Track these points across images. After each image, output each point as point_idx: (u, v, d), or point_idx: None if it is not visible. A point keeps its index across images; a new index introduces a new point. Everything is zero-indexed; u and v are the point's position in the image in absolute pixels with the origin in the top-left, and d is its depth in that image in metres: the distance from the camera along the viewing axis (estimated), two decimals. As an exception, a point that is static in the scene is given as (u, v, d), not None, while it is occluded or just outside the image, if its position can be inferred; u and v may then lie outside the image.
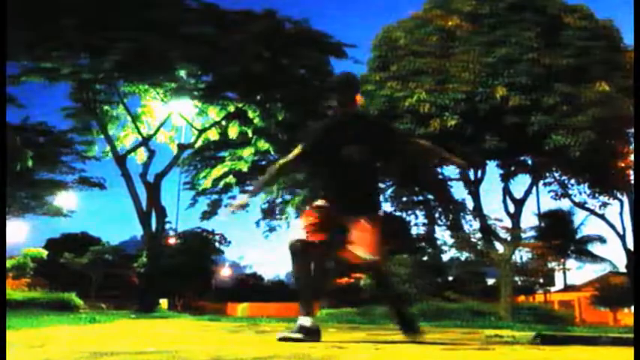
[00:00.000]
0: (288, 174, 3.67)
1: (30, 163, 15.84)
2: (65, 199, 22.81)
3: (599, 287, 23.71)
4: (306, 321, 3.07)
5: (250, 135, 18.08)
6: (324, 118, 3.56)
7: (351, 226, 3.20)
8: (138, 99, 18.78)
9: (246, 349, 2.53)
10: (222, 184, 21.95)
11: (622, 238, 19.15)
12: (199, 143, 19.61)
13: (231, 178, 21.57)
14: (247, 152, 19.27)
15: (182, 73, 16.76)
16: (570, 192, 15.50)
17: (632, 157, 12.53)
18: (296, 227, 3.26)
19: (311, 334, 3.05)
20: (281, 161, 3.54)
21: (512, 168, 13.72)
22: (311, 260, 3.20)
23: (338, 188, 3.30)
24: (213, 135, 19.37)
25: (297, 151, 3.41)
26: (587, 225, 23.69)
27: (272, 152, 18.80)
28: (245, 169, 20.16)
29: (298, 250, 3.16)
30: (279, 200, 23.08)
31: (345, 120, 3.33)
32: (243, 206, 3.59)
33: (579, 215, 23.20)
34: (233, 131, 18.28)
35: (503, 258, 13.75)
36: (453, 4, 13.59)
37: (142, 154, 19.17)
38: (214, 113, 18.45)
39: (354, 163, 3.24)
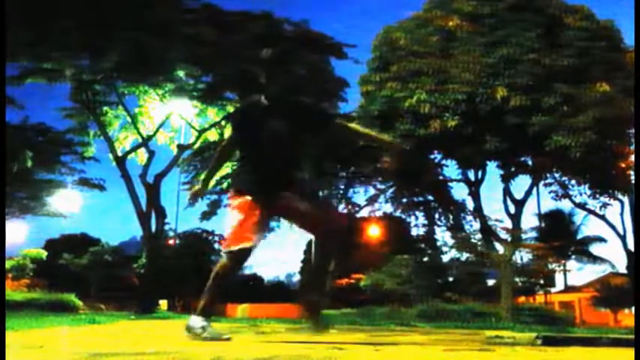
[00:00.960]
0: (230, 157, 3.65)
1: (29, 163, 15.82)
2: (65, 200, 22.78)
3: (599, 288, 23.69)
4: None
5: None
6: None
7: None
8: (136, 100, 18.80)
9: (246, 350, 2.51)
10: (225, 184, 21.95)
11: (622, 238, 19.16)
12: (199, 144, 19.61)
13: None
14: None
15: (181, 73, 16.76)
16: (571, 193, 15.48)
17: (632, 157, 12.50)
18: (238, 227, 3.07)
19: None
20: (221, 145, 3.53)
21: (513, 168, 13.70)
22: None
23: (266, 168, 3.17)
24: (212, 135, 19.36)
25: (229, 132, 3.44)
26: (587, 226, 23.71)
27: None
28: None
29: (244, 258, 3.09)
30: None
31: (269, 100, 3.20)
32: (200, 194, 3.54)
33: (579, 216, 23.22)
34: (227, 131, 18.31)
35: (503, 259, 13.73)
36: (453, 4, 13.57)
37: (142, 156, 19.17)
38: (213, 114, 18.46)
39: (276, 141, 3.12)
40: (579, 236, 24.41)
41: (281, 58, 3.30)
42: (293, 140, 3.18)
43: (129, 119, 18.65)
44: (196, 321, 3.06)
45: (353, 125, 3.83)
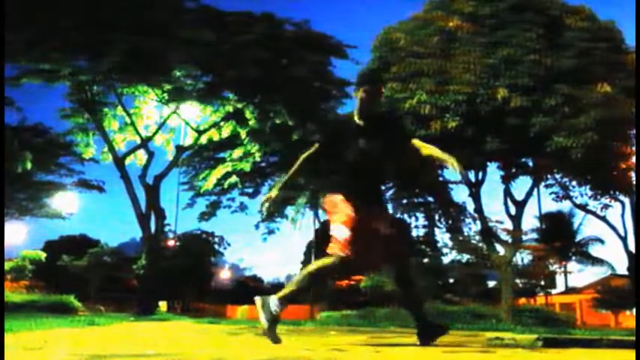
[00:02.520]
0: (311, 168, 3.66)
1: (29, 165, 15.80)
2: (64, 202, 22.76)
3: (600, 289, 23.63)
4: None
5: (243, 136, 18.10)
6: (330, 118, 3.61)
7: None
8: (132, 101, 18.80)
9: (246, 352, 2.49)
10: (226, 184, 21.94)
11: (623, 240, 19.12)
12: (198, 144, 19.61)
13: (234, 178, 21.56)
14: (237, 153, 19.32)
15: (180, 74, 16.74)
16: (572, 194, 15.45)
17: (633, 158, 12.47)
18: (335, 236, 3.17)
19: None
20: (304, 155, 3.51)
21: (514, 170, 13.66)
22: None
23: (356, 185, 3.26)
24: (213, 136, 19.35)
25: (316, 146, 3.44)
26: (587, 226, 23.68)
27: (258, 157, 18.84)
28: (248, 169, 20.15)
29: (349, 267, 3.15)
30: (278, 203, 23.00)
31: (361, 116, 3.31)
32: (273, 199, 3.56)
33: (580, 217, 23.19)
34: (226, 132, 18.31)
35: (504, 260, 13.68)
36: (453, 4, 13.54)
37: (141, 157, 19.17)
38: (213, 114, 18.45)
39: (370, 159, 3.24)
40: (580, 237, 24.39)
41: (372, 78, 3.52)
42: (382, 159, 3.31)
43: (127, 120, 18.64)
44: (275, 302, 3.04)
45: (427, 147, 3.65)
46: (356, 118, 3.33)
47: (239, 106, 17.46)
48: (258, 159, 19.30)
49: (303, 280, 3.11)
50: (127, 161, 18.61)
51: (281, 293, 3.09)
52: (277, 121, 17.19)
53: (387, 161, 3.38)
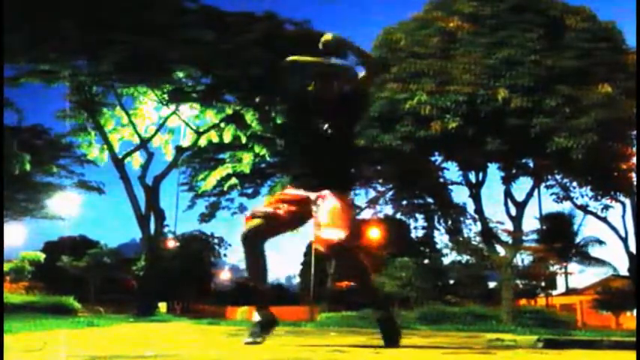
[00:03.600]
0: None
1: (28, 166, 15.78)
2: (63, 202, 22.73)
3: (601, 291, 23.59)
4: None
5: (244, 140, 18.06)
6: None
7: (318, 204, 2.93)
8: (131, 102, 18.79)
9: (246, 354, 2.47)
10: (226, 186, 21.92)
11: (624, 241, 19.10)
12: (198, 145, 19.59)
13: (234, 180, 21.54)
14: (246, 156, 19.28)
15: (180, 75, 16.72)
16: (572, 195, 15.44)
17: (634, 159, 12.45)
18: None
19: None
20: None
21: (514, 170, 13.65)
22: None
23: (306, 163, 3.11)
24: (212, 137, 19.33)
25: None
26: (588, 227, 23.65)
27: (267, 157, 18.79)
28: (247, 170, 20.13)
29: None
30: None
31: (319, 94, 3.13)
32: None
33: (581, 218, 23.16)
34: (227, 135, 18.27)
35: (504, 261, 13.67)
36: (454, 5, 13.52)
37: (137, 159, 19.16)
38: (213, 115, 18.43)
39: (323, 135, 3.04)
40: (580, 238, 24.36)
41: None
42: (338, 131, 3.07)
43: (125, 121, 18.63)
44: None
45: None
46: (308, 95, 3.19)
47: (239, 107, 17.44)
48: (269, 158, 19.22)
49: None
50: (125, 162, 18.60)
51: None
52: (279, 122, 17.17)
53: (340, 134, 3.10)
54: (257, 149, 18.52)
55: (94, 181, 22.95)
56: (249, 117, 17.32)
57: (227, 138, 18.48)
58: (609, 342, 3.53)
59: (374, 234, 23.55)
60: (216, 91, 17.10)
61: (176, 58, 15.21)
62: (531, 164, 13.51)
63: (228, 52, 15.20)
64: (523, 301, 21.08)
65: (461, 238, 17.97)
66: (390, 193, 17.32)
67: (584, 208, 16.67)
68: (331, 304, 22.58)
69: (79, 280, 27.21)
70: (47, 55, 14.95)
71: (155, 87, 17.26)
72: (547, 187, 15.38)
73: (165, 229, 27.18)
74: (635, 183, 13.11)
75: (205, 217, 25.02)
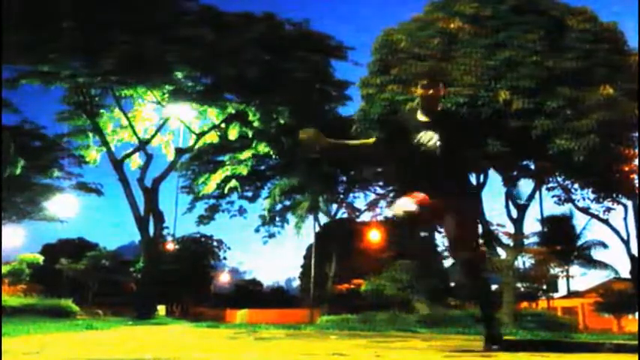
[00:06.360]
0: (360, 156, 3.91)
1: (19, 170, 15.70)
2: (62, 205, 22.68)
3: (602, 293, 23.55)
4: None
5: (250, 137, 18.05)
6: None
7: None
8: (130, 104, 18.76)
9: (246, 356, 2.43)
10: (226, 189, 21.90)
11: (626, 243, 19.04)
12: (198, 147, 19.55)
13: (234, 182, 21.53)
14: (246, 155, 19.23)
15: (180, 75, 16.69)
16: (574, 197, 15.38)
17: (636, 161, 12.39)
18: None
19: None
20: (361, 140, 3.57)
21: (515, 172, 13.59)
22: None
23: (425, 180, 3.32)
24: (212, 138, 19.30)
25: (373, 140, 3.49)
26: (590, 230, 23.59)
27: (272, 155, 18.74)
28: (245, 172, 20.11)
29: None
30: (278, 207, 22.94)
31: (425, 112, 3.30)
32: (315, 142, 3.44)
33: (582, 220, 23.11)
34: (233, 133, 18.21)
35: (505, 264, 13.62)
36: (454, 6, 13.47)
37: (135, 161, 19.11)
38: (213, 116, 18.40)
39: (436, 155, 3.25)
40: (582, 241, 24.30)
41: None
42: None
43: (124, 122, 18.60)
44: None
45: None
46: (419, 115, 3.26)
47: (239, 108, 17.40)
48: (274, 156, 19.22)
49: None
50: (124, 164, 18.56)
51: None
52: (281, 122, 17.14)
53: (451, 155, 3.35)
54: (261, 148, 18.49)
55: (93, 182, 22.94)
56: (252, 116, 17.31)
57: (232, 135, 18.45)
58: (611, 345, 3.58)
59: (374, 236, 23.51)
60: (215, 92, 17.07)
61: (175, 59, 15.20)
62: (533, 166, 13.46)
63: (227, 52, 15.18)
64: (524, 304, 21.01)
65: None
66: (390, 195, 17.26)
67: (585, 211, 16.63)
68: (331, 307, 22.49)
69: (77, 282, 27.19)
70: (47, 55, 14.92)
71: (154, 87, 17.23)
72: (548, 189, 15.35)
73: (165, 232, 27.14)
74: (637, 185, 13.05)
75: (204, 220, 25.02)
